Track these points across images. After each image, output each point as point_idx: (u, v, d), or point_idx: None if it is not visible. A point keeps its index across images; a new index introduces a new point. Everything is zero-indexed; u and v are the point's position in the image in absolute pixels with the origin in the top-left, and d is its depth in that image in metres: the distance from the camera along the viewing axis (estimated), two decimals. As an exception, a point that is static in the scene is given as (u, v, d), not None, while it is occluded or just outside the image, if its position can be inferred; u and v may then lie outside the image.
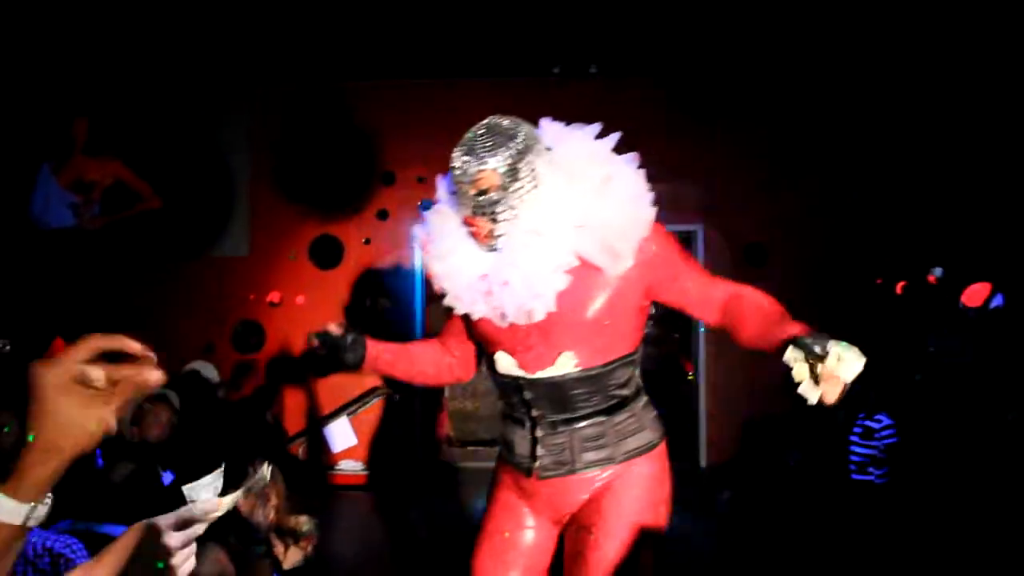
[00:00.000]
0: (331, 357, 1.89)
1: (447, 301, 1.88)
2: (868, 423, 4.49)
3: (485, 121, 1.71)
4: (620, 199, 1.70)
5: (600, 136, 1.81)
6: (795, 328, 1.61)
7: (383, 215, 7.04)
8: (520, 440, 1.95)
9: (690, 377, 7.30)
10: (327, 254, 7.12)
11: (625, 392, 1.88)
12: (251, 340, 7.08)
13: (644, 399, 1.97)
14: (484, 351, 2.00)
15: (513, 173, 1.64)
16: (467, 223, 1.74)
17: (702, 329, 6.99)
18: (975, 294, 5.87)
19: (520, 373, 1.86)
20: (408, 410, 6.93)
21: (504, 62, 6.76)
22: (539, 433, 1.90)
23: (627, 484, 1.85)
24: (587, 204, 1.69)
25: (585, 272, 1.73)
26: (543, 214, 1.68)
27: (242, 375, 6.63)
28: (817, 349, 1.45)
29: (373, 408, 6.96)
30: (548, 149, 1.74)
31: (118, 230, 6.75)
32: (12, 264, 6.48)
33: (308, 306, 7.08)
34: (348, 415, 6.74)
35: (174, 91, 7.02)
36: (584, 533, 1.82)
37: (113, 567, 1.01)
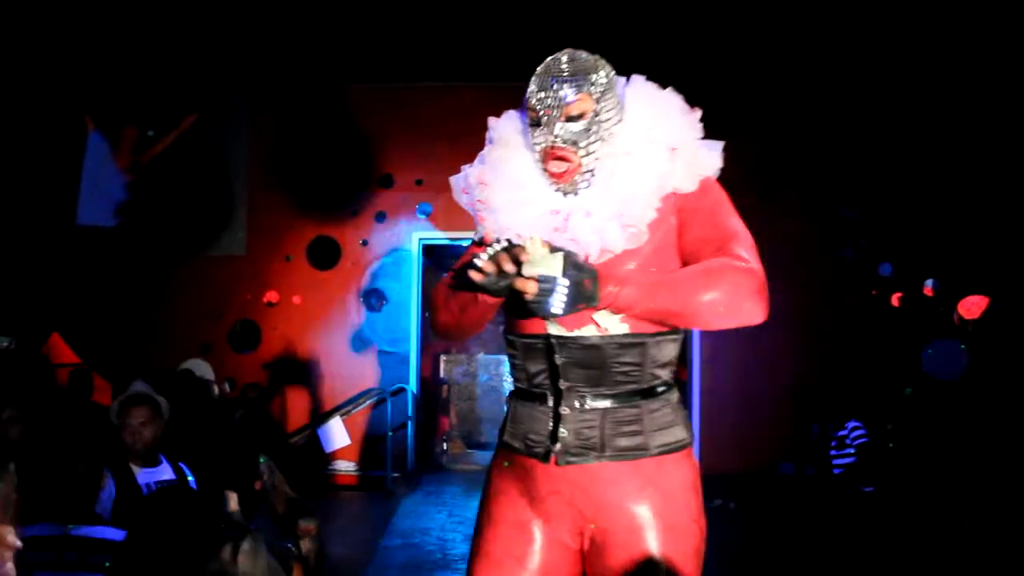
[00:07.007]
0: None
1: (503, 233, 1.56)
2: (840, 432, 4.68)
3: (563, 52, 1.58)
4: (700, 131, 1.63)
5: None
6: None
7: (380, 217, 7.05)
8: (538, 417, 1.63)
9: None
10: (324, 255, 7.13)
11: (665, 375, 1.63)
12: (248, 339, 7.10)
13: (677, 393, 1.69)
14: (507, 305, 1.63)
15: (604, 99, 1.55)
16: (550, 156, 1.54)
17: (696, 335, 7.01)
18: (972, 306, 5.90)
19: (554, 330, 1.57)
20: (403, 411, 6.92)
21: (505, 67, 6.76)
22: (564, 410, 1.59)
23: (661, 494, 1.56)
24: (676, 128, 1.61)
25: None
26: (634, 137, 1.57)
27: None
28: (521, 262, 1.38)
29: (366, 409, 6.97)
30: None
31: (126, 231, 6.85)
32: (17, 261, 6.54)
33: (304, 306, 7.09)
34: (341, 415, 6.74)
35: (175, 91, 7.03)
36: (609, 559, 1.55)
37: None
